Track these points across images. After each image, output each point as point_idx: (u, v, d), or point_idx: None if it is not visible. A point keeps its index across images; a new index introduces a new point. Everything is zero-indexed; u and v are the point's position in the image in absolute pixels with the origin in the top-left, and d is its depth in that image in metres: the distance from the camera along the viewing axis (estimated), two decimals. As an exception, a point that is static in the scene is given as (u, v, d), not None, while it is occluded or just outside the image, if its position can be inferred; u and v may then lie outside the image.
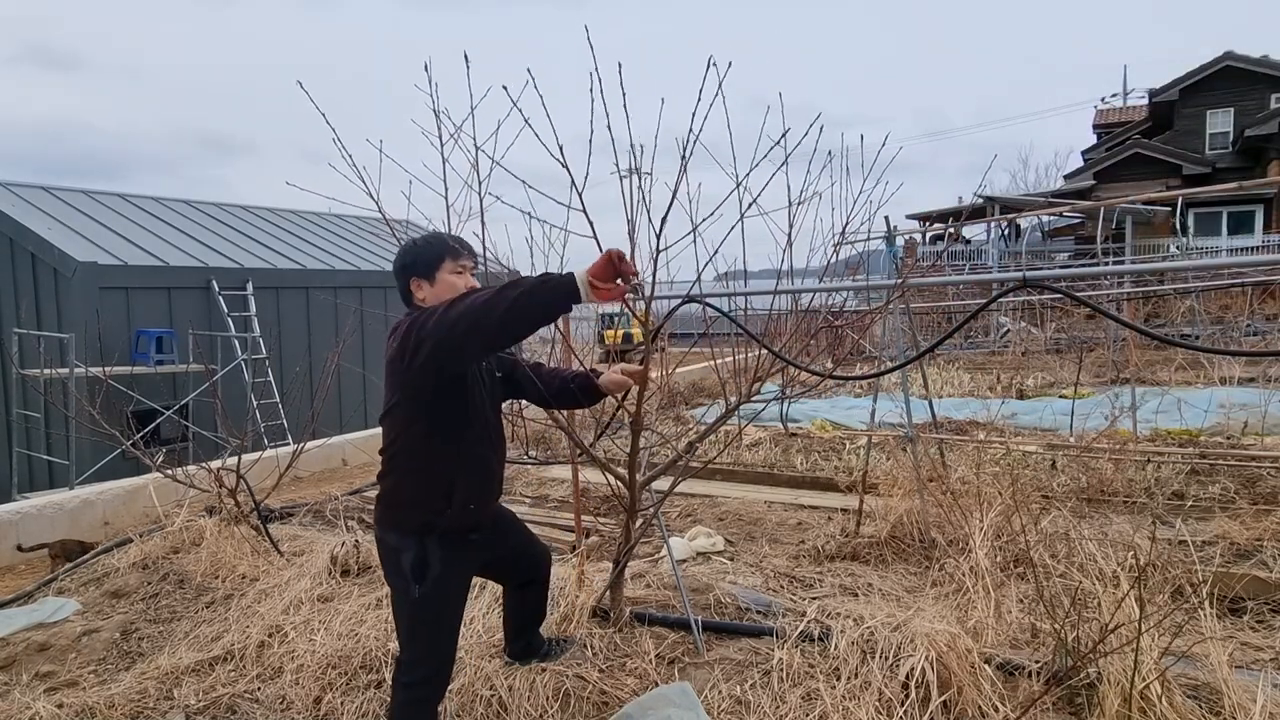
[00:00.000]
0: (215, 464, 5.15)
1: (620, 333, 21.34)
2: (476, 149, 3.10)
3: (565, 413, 3.64)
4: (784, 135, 2.96)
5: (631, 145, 2.93)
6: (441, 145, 3.11)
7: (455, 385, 2.51)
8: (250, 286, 11.13)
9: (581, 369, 3.05)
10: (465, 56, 3.05)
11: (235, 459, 5.04)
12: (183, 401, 9.70)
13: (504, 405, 3.00)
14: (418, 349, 2.27)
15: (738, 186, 3.04)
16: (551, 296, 2.21)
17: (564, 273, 2.23)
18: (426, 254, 2.57)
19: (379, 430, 2.65)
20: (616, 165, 2.90)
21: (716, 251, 3.14)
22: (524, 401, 3.24)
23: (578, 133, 2.82)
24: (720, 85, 2.79)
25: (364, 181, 3.21)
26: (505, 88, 2.84)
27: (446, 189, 3.23)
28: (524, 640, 3.25)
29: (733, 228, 3.11)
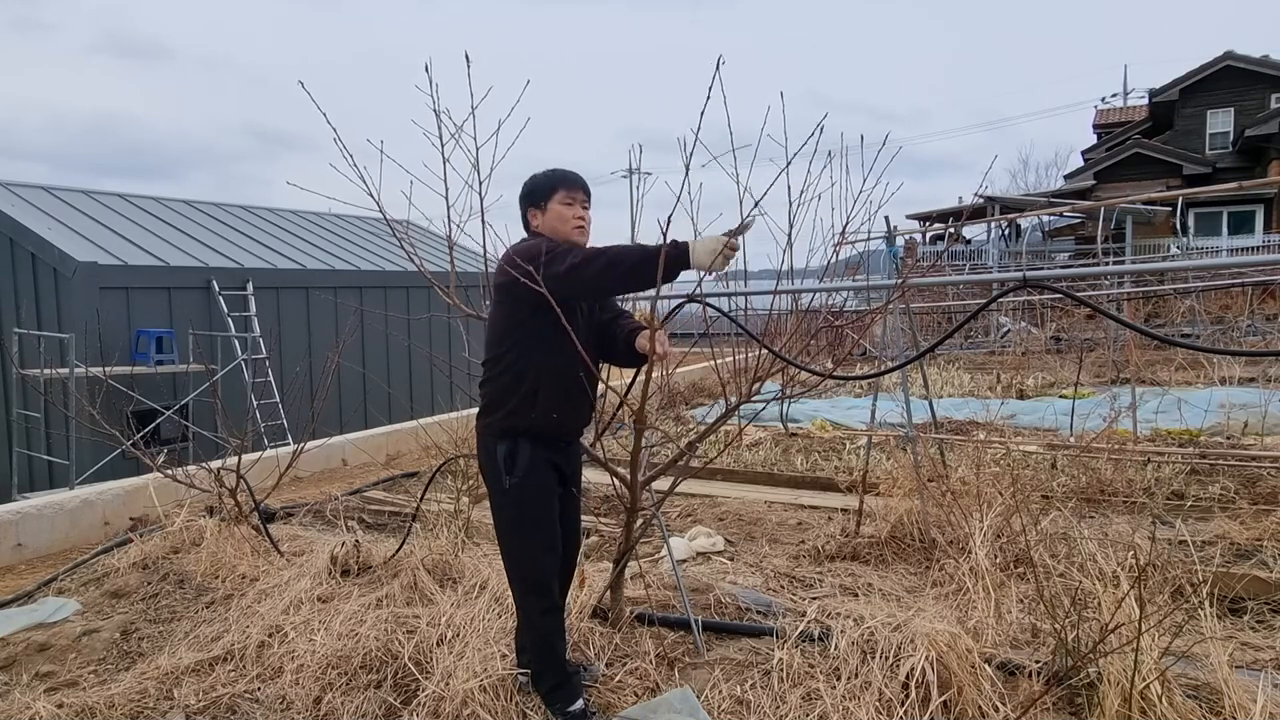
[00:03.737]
0: (215, 464, 5.14)
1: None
2: (478, 147, 3.10)
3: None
4: (880, 139, 2.96)
5: (633, 144, 2.93)
6: (446, 141, 3.11)
7: (552, 308, 2.67)
8: (250, 286, 11.12)
9: (633, 325, 3.01)
10: (466, 56, 3.06)
11: (235, 459, 5.03)
12: (183, 401, 9.69)
13: None
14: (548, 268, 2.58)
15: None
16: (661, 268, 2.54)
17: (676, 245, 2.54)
18: (542, 185, 2.85)
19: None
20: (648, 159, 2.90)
21: (788, 243, 3.16)
22: None
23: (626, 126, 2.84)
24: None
25: (364, 180, 3.22)
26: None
27: (454, 186, 3.24)
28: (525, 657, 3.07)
29: (801, 211, 3.09)
